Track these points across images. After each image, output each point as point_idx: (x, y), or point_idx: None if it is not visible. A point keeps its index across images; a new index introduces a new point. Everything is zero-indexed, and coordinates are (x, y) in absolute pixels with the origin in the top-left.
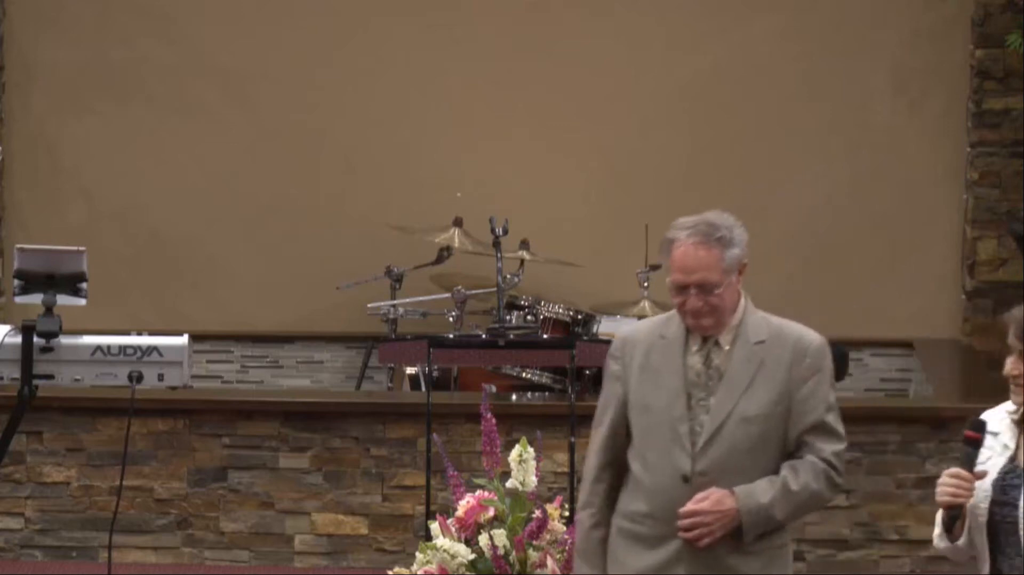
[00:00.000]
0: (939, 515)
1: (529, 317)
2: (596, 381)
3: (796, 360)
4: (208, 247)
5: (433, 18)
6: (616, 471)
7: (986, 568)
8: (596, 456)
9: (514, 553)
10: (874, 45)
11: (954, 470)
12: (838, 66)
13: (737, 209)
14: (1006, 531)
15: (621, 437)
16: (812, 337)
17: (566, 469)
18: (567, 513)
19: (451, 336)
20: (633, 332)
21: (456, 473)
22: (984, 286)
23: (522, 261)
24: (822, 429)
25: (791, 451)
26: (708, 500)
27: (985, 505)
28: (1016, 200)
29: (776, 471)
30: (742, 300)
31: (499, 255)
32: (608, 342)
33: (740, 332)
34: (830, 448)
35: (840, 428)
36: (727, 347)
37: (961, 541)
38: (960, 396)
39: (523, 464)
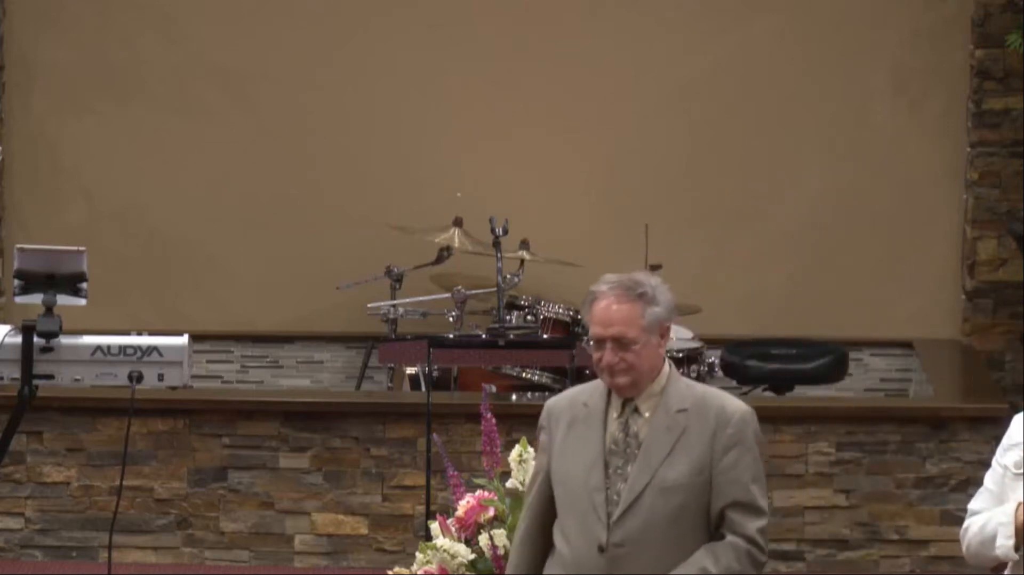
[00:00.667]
0: (1013, 524)
1: (529, 317)
2: None
3: (718, 430)
4: (208, 247)
5: (433, 18)
6: (543, 540)
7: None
8: (522, 523)
9: None
10: (874, 45)
11: None
12: (838, 66)
13: (737, 209)
14: None
15: (545, 508)
16: (735, 407)
17: None
18: None
19: (451, 336)
20: (558, 400)
21: (456, 473)
22: (984, 286)
23: (522, 261)
24: (744, 505)
25: (713, 524)
26: None
27: None
28: (1016, 200)
29: (694, 543)
30: (665, 367)
31: (499, 255)
32: None
33: (662, 400)
34: (753, 526)
35: (763, 502)
36: (647, 414)
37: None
38: (960, 396)
39: (523, 464)
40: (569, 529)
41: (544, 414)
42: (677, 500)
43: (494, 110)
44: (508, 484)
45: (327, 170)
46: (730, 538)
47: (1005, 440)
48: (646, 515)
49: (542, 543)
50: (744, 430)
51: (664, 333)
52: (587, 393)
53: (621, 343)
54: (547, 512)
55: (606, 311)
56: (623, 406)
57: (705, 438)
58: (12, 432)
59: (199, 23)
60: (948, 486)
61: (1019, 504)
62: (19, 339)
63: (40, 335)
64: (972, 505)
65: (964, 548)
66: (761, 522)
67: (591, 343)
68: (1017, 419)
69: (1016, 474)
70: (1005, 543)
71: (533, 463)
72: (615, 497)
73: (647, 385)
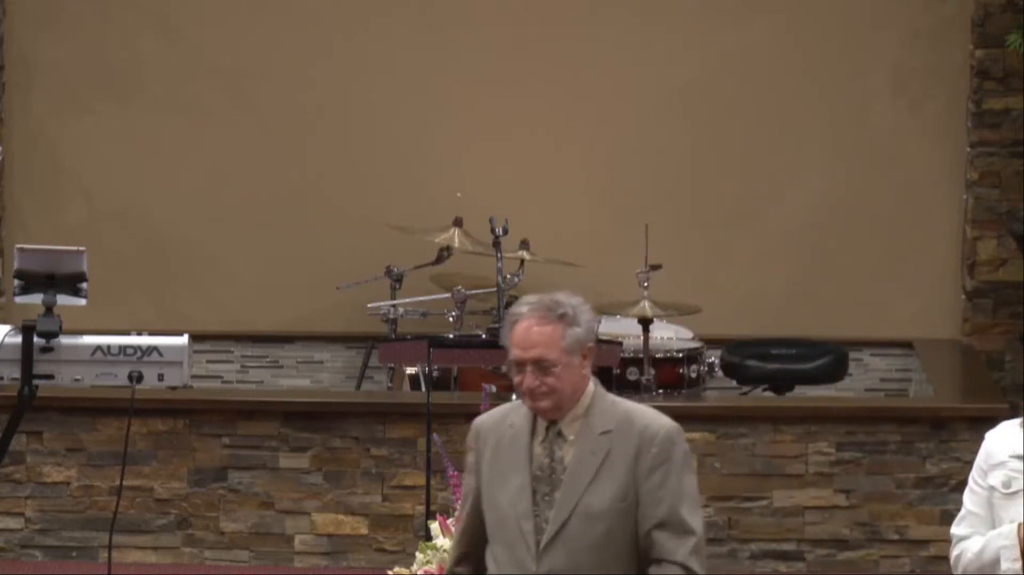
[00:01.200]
0: (1017, 547)
1: None
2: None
3: (642, 450)
4: (208, 247)
5: (433, 18)
6: (476, 563)
7: None
8: (454, 549)
9: None
10: (874, 45)
11: None
12: (838, 66)
13: (737, 209)
14: None
15: (478, 530)
16: (661, 424)
17: None
18: None
19: (451, 336)
20: (486, 419)
21: (456, 473)
22: (984, 286)
23: (522, 261)
24: (673, 525)
25: (642, 547)
26: None
27: None
28: (1016, 200)
29: (623, 570)
30: (590, 386)
31: (499, 255)
32: (609, 342)
33: (586, 422)
34: (683, 549)
35: (694, 522)
36: (571, 438)
37: None
38: (960, 396)
39: None
40: (500, 556)
41: (472, 433)
42: (603, 527)
43: (494, 110)
44: None
45: (327, 170)
46: (661, 568)
47: (982, 461)
48: (572, 543)
49: (478, 562)
50: (670, 448)
51: (587, 354)
52: (511, 411)
53: (541, 366)
54: (480, 536)
55: (526, 333)
56: (547, 429)
57: (629, 460)
58: (12, 432)
59: (199, 23)
60: (948, 486)
61: (1019, 525)
62: (19, 339)
63: (40, 335)
64: (956, 530)
65: (957, 573)
66: (691, 542)
67: (511, 365)
68: (991, 437)
69: (1006, 494)
70: (1012, 566)
71: None
72: (543, 525)
73: (570, 407)
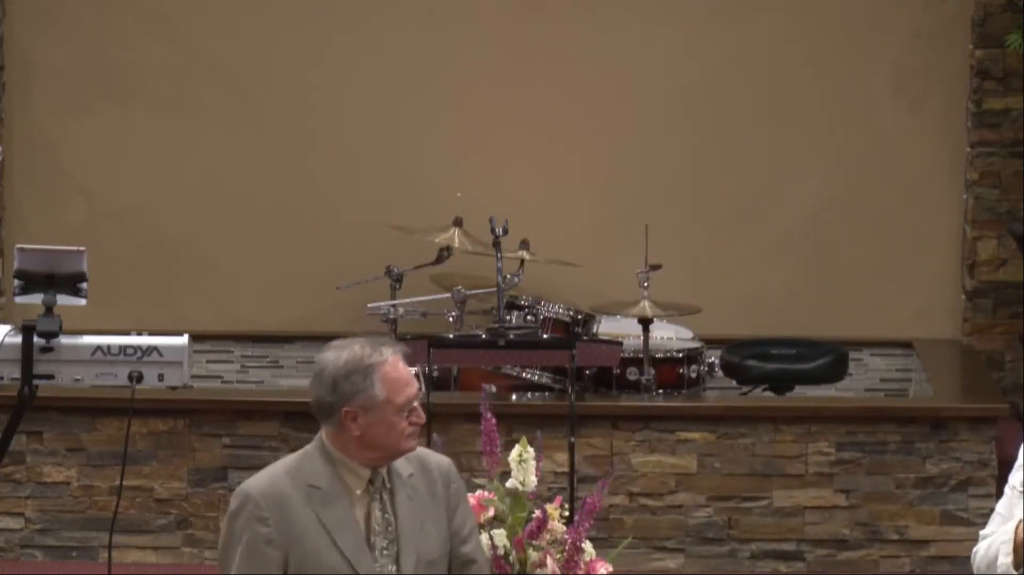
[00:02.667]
0: (1012, 541)
1: (529, 317)
2: (596, 381)
3: (444, 487)
4: (208, 247)
5: (433, 18)
6: None
7: None
8: None
9: (514, 553)
10: (874, 45)
11: None
12: (838, 66)
13: (737, 209)
14: None
15: None
16: (441, 458)
17: (566, 469)
18: (567, 513)
19: (451, 336)
20: (266, 487)
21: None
22: (984, 286)
23: (522, 261)
24: (479, 563)
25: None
26: None
27: None
28: (1016, 200)
29: None
30: None
31: (499, 255)
32: (609, 342)
33: (393, 467)
34: (483, 556)
35: (481, 555)
36: (389, 485)
37: None
38: (960, 396)
39: (523, 464)
40: None
41: (252, 505)
42: (440, 570)
43: (494, 110)
44: (508, 484)
45: (327, 170)
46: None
47: (1018, 462)
48: None
49: None
50: (461, 482)
51: None
52: (302, 474)
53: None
54: None
55: (405, 371)
56: (370, 481)
57: (439, 499)
58: (12, 432)
59: (199, 23)
60: (948, 486)
61: (1019, 522)
62: (19, 339)
63: (40, 335)
64: (983, 531)
65: (975, 571)
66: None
67: (396, 411)
68: None
69: (1020, 492)
70: (1004, 561)
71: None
72: None
73: None
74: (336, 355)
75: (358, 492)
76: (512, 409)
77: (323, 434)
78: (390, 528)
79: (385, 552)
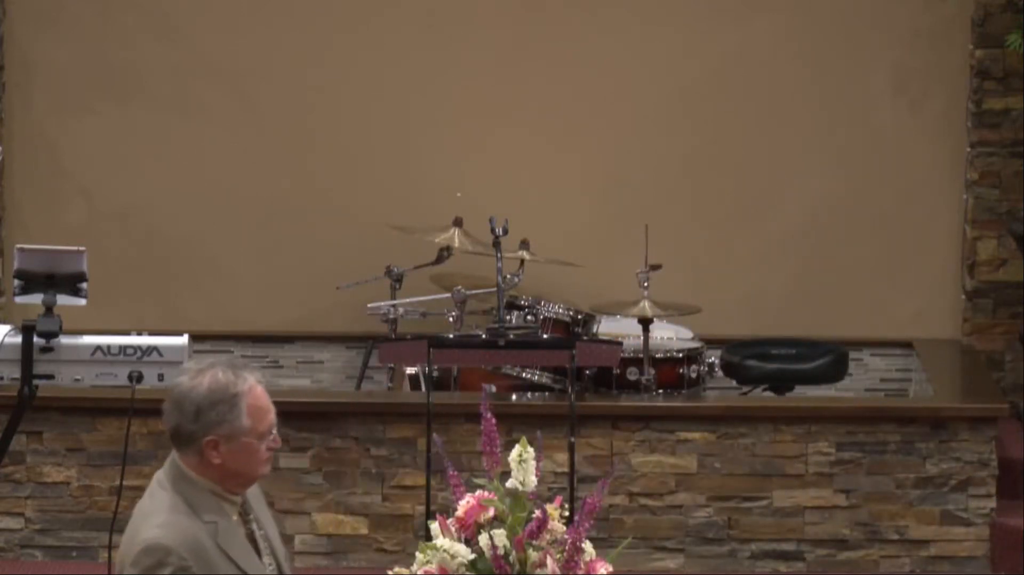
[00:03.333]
0: None
1: (529, 317)
2: (596, 381)
3: (258, 486)
4: (208, 247)
5: (433, 18)
6: None
7: None
8: None
9: (514, 553)
10: (874, 45)
11: None
12: (838, 66)
13: (737, 209)
14: None
15: None
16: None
17: (566, 469)
18: (567, 513)
19: (451, 336)
20: (182, 532)
21: (456, 473)
22: (984, 286)
23: (522, 261)
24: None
25: None
26: None
27: None
28: (1016, 200)
29: None
30: None
31: (499, 255)
32: (609, 342)
33: None
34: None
35: None
36: (246, 505)
37: None
38: (960, 396)
39: (523, 464)
40: None
41: (174, 557)
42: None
43: (494, 110)
44: (508, 484)
45: (327, 170)
46: None
47: None
48: None
49: None
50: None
51: None
52: (196, 511)
53: None
54: None
55: (265, 398)
56: (242, 505)
57: (266, 512)
58: (12, 432)
59: (199, 23)
60: (948, 486)
61: None
62: (19, 339)
63: (40, 335)
64: None
65: None
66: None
67: (258, 436)
68: None
69: None
70: None
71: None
72: None
73: None
74: (196, 382)
75: (235, 518)
76: (512, 409)
77: (180, 464)
78: (266, 544)
79: (271, 567)
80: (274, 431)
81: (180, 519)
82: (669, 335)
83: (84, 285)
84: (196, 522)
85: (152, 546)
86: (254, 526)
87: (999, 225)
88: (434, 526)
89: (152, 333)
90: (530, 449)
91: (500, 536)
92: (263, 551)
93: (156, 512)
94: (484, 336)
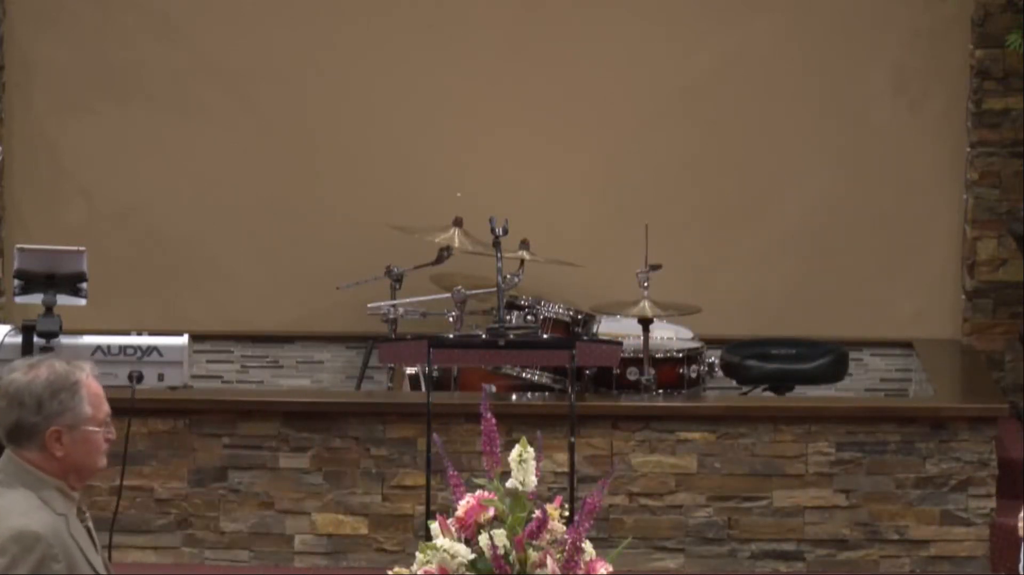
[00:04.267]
0: None
1: (529, 317)
2: (596, 381)
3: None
4: (208, 247)
5: (433, 18)
6: None
7: None
8: None
9: (514, 553)
10: (874, 45)
11: None
12: (838, 66)
13: (737, 209)
14: None
15: None
16: None
17: (566, 469)
18: (567, 513)
19: (451, 336)
20: (48, 522)
21: (456, 473)
22: (984, 286)
23: (522, 261)
24: None
25: None
26: None
27: None
28: (1016, 200)
29: None
30: None
31: (499, 255)
32: (609, 342)
33: None
34: None
35: None
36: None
37: None
38: (960, 396)
39: (523, 464)
40: None
41: (44, 545)
42: None
43: (494, 110)
44: (508, 484)
45: (327, 170)
46: None
47: None
48: None
49: None
50: None
51: None
52: (50, 505)
53: None
54: None
55: (99, 386)
56: (78, 503)
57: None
58: None
59: (199, 23)
60: (948, 486)
61: None
62: (19, 339)
63: (40, 335)
64: None
65: None
66: None
67: (94, 427)
68: None
69: None
70: None
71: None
72: None
73: None
74: (33, 375)
75: (74, 512)
76: (512, 409)
77: (21, 462)
78: (96, 544)
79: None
80: (109, 422)
81: (40, 510)
82: (669, 335)
83: (84, 285)
84: (53, 515)
85: (21, 533)
86: (90, 523)
87: (999, 225)
88: (434, 526)
89: (152, 333)
90: (530, 449)
91: (500, 536)
92: (97, 550)
93: (14, 506)
94: (484, 336)
